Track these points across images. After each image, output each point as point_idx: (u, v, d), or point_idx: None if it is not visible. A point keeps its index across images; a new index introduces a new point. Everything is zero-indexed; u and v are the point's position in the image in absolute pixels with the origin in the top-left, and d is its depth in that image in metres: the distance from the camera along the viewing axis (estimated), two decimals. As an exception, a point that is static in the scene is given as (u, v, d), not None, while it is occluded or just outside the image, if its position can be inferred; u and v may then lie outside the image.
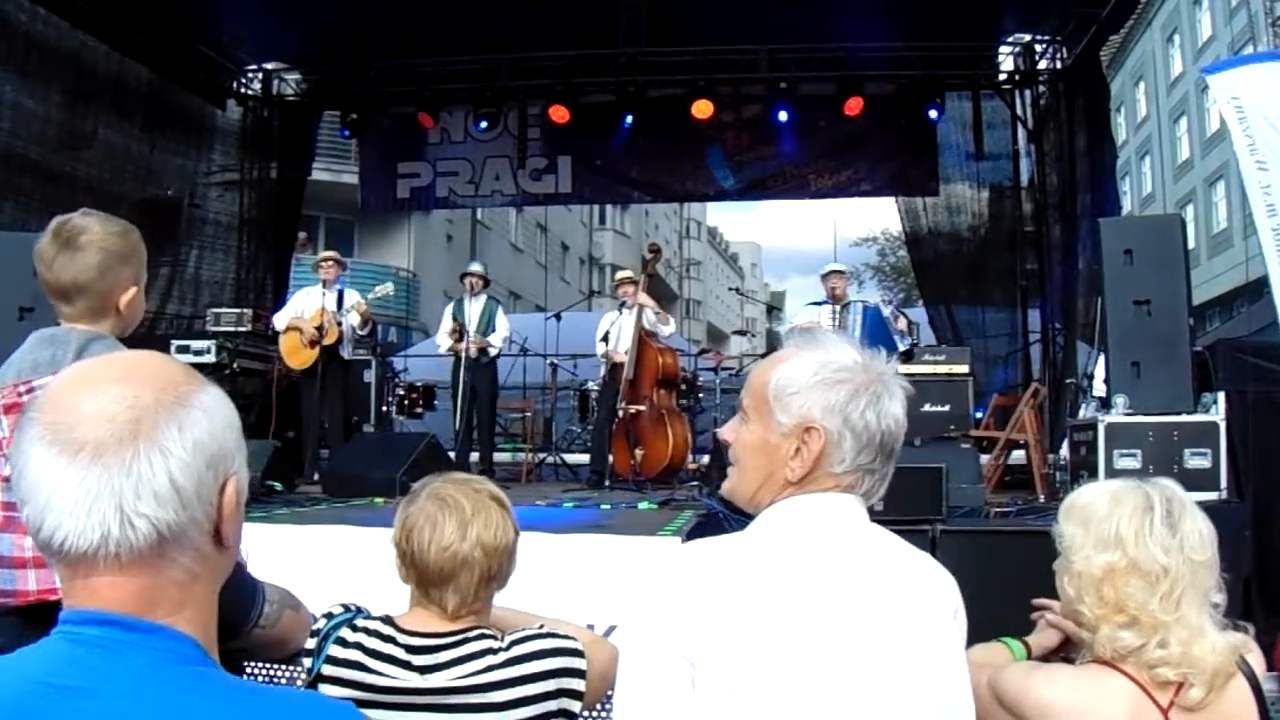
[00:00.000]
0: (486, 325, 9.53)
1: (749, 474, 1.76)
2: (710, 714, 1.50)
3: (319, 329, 8.88)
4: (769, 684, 1.50)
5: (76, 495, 1.03)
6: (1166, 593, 1.95)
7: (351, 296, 9.19)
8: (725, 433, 1.84)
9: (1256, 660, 2.07)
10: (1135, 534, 2.00)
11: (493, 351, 9.58)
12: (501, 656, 2.08)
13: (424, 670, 2.05)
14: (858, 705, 1.52)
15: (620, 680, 1.62)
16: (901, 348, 9.05)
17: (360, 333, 9.33)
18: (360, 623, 2.15)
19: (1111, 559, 2.01)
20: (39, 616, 2.46)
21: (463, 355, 9.28)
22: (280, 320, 9.32)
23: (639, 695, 1.57)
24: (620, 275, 10.00)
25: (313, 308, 9.09)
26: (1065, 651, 2.30)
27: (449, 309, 9.83)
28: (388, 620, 2.15)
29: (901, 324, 9.51)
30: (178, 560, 1.10)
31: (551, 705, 2.09)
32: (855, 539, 1.67)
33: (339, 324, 8.99)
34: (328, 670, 2.09)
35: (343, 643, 2.12)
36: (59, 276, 2.60)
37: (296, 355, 9.01)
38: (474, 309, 9.61)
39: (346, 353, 9.27)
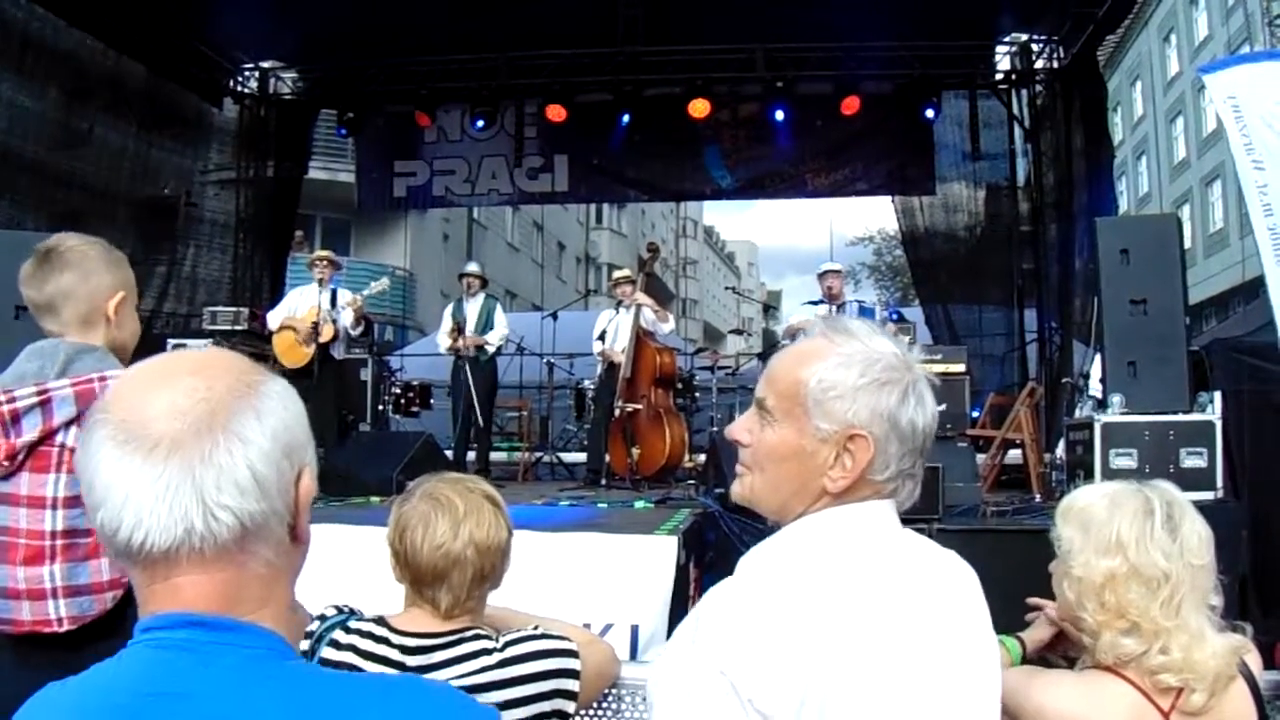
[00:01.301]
0: (485, 324, 9.53)
1: (778, 482, 1.56)
2: None
3: (314, 326, 8.86)
4: (831, 703, 1.34)
5: (156, 491, 1.01)
6: (1167, 598, 1.94)
7: (345, 296, 9.16)
8: (738, 432, 1.62)
9: (1254, 661, 2.06)
10: (1136, 539, 1.98)
11: (490, 349, 9.57)
12: (496, 657, 2.08)
13: (418, 672, 2.04)
14: None
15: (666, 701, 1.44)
16: None
17: (353, 332, 9.29)
18: (353, 624, 2.15)
19: (1113, 564, 1.99)
20: (32, 647, 2.47)
21: (459, 354, 9.28)
22: (274, 319, 9.29)
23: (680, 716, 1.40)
24: (618, 275, 9.99)
25: (307, 306, 9.07)
26: (1061, 648, 2.30)
27: (449, 309, 9.83)
28: (381, 621, 2.15)
29: (890, 331, 9.51)
30: (259, 554, 1.08)
31: (546, 706, 2.09)
32: (901, 550, 1.53)
33: (334, 322, 8.97)
34: (321, 672, 2.08)
35: (336, 645, 2.11)
36: (40, 289, 2.60)
37: (291, 354, 8.99)
38: (472, 309, 9.61)
39: (338, 352, 9.23)
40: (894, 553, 1.52)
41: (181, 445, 1.02)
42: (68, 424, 2.48)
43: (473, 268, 10.02)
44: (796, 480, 1.53)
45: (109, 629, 2.52)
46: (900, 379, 1.53)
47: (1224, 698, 1.93)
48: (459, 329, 9.38)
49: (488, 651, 2.08)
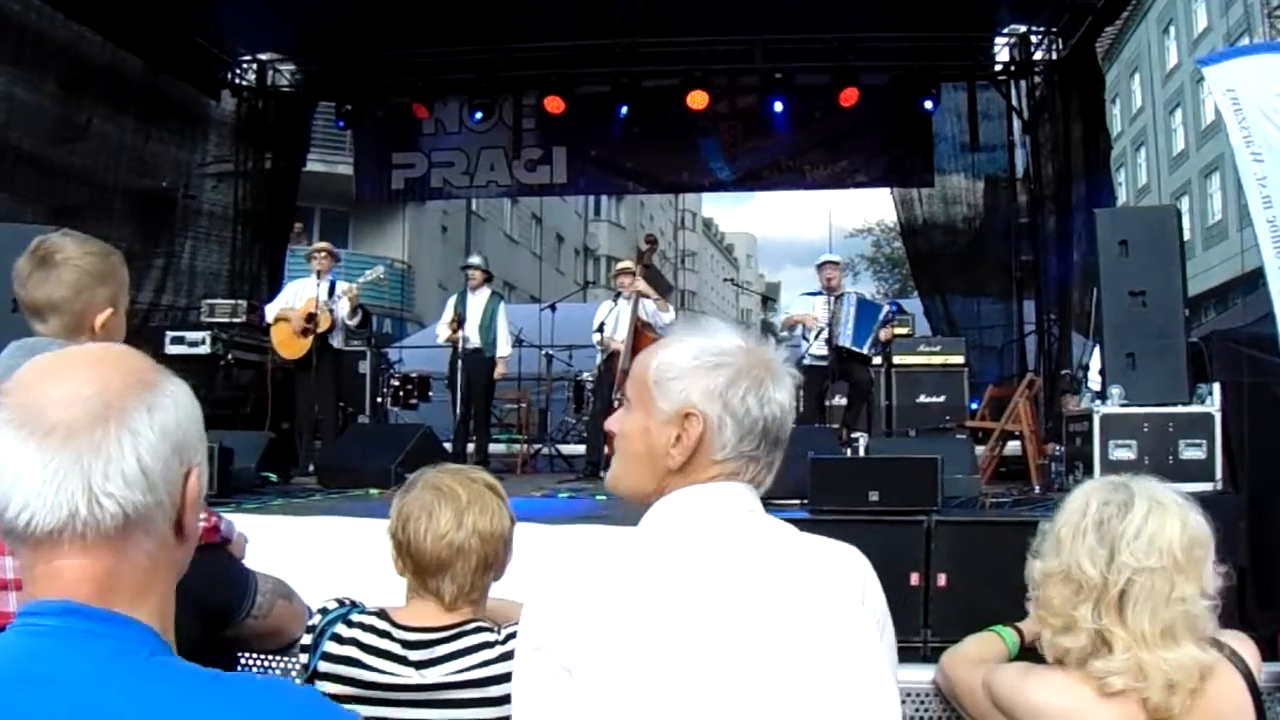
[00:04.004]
0: (488, 322, 9.48)
1: (631, 465, 1.68)
2: None
3: (310, 317, 8.84)
4: (645, 688, 1.42)
5: (44, 475, 1.04)
6: (1097, 600, 1.93)
7: (341, 286, 9.13)
8: (610, 424, 1.75)
9: (1250, 654, 2.06)
10: (1070, 539, 1.98)
11: (499, 370, 9.61)
12: (498, 650, 2.07)
13: (420, 665, 2.05)
14: (746, 707, 1.43)
15: (511, 692, 1.58)
16: (864, 350, 9.06)
17: (350, 322, 9.24)
18: (355, 618, 2.15)
19: (1048, 565, 2.01)
20: None
21: (459, 347, 9.26)
22: (271, 311, 9.26)
23: (519, 706, 1.52)
24: (619, 266, 9.96)
25: (304, 299, 9.05)
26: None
27: (451, 300, 9.74)
28: (383, 615, 2.15)
29: (885, 334, 9.53)
30: (141, 545, 1.11)
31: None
32: (744, 529, 1.60)
33: (331, 312, 8.94)
34: (324, 667, 2.09)
35: (338, 639, 2.11)
36: (33, 294, 2.60)
37: (289, 346, 8.96)
38: (475, 304, 9.54)
39: (337, 341, 9.19)
40: (729, 531, 1.58)
41: (74, 433, 1.06)
42: None
43: (475, 260, 9.92)
44: (646, 461, 1.64)
45: None
46: (733, 364, 1.60)
47: (1209, 695, 1.91)
48: (460, 322, 9.34)
49: (490, 645, 2.08)
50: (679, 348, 1.63)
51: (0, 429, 1.07)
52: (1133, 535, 1.94)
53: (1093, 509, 1.99)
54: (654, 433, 1.62)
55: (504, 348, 9.56)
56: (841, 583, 1.58)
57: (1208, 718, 1.92)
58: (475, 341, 9.34)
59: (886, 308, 9.72)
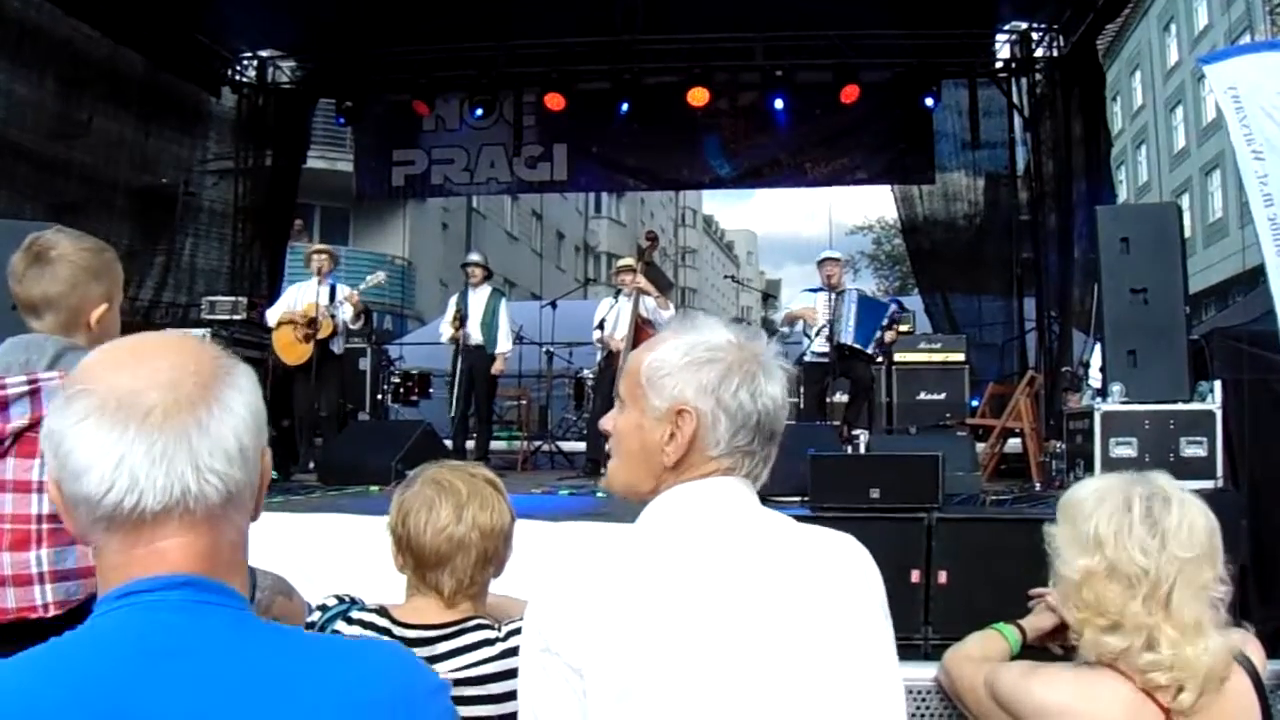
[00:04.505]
0: (490, 319, 9.49)
1: (627, 462, 1.70)
2: None
3: (312, 323, 8.82)
4: (658, 685, 1.41)
5: (152, 455, 1.06)
6: (1149, 594, 1.92)
7: (343, 291, 9.11)
8: (605, 423, 1.79)
9: (1256, 653, 2.06)
10: (1114, 535, 1.95)
11: (498, 366, 9.61)
12: (499, 647, 2.07)
13: (421, 663, 2.04)
14: (759, 700, 1.43)
15: (518, 695, 1.56)
16: (868, 350, 9.08)
17: (353, 326, 9.26)
18: (355, 615, 2.14)
19: (1089, 563, 1.98)
20: (16, 635, 2.46)
21: (460, 344, 9.27)
22: (273, 316, 9.23)
23: (528, 710, 1.50)
24: (620, 264, 9.97)
25: (305, 302, 9.03)
26: (1061, 637, 2.29)
27: (454, 299, 9.77)
28: (383, 612, 2.14)
29: (889, 336, 9.54)
30: (234, 521, 1.16)
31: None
32: (745, 523, 1.60)
33: (333, 317, 8.94)
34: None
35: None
36: (29, 291, 2.61)
37: (291, 351, 8.93)
38: (477, 300, 9.57)
39: (338, 347, 9.18)
40: (729, 526, 1.58)
41: (176, 412, 1.08)
42: None
43: (475, 257, 9.98)
44: (640, 458, 1.66)
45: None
46: (724, 359, 1.61)
47: (1222, 694, 1.91)
48: (461, 320, 9.35)
49: (490, 641, 2.08)
50: (670, 345, 1.64)
51: (91, 417, 1.07)
52: (1176, 526, 1.94)
53: (1137, 503, 1.98)
54: (648, 430, 1.63)
55: (504, 344, 9.58)
56: (843, 572, 1.59)
57: (1221, 716, 1.92)
58: (478, 338, 9.36)
59: (892, 307, 9.73)
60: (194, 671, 1.03)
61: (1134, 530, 1.95)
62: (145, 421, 1.06)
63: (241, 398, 1.14)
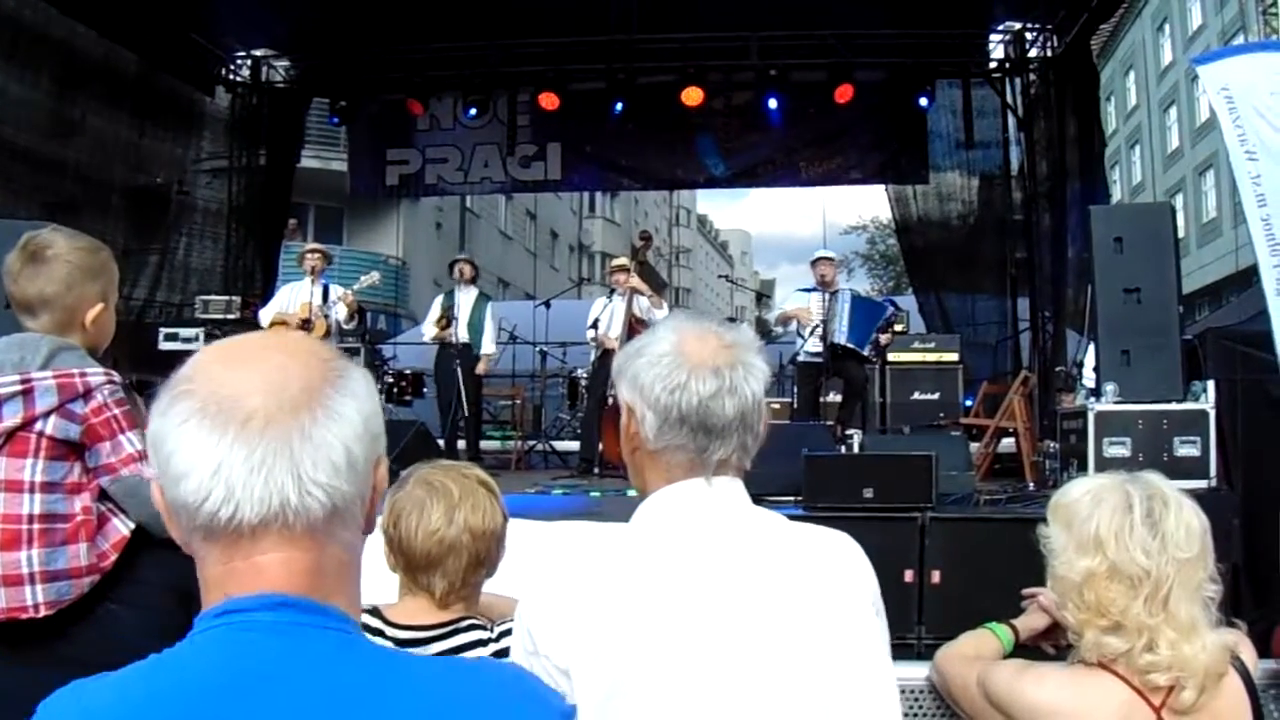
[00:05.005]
0: (477, 321, 9.50)
1: (625, 456, 1.78)
2: None
3: (305, 323, 8.80)
4: (646, 686, 1.43)
5: (251, 464, 1.00)
6: (1150, 595, 1.92)
7: (336, 291, 9.09)
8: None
9: (1248, 653, 2.06)
10: (1115, 536, 1.95)
11: (482, 367, 9.63)
12: (492, 647, 2.07)
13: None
14: (750, 700, 1.44)
15: None
16: (863, 351, 9.09)
17: (346, 327, 9.25)
18: (348, 614, 2.13)
19: (1091, 564, 1.97)
20: (7, 635, 2.45)
21: (446, 343, 9.29)
22: (265, 316, 9.20)
23: None
24: (614, 263, 9.97)
25: (299, 302, 9.01)
26: (1053, 637, 2.29)
27: (439, 299, 9.79)
28: (375, 612, 2.13)
29: (885, 339, 9.55)
30: (341, 537, 1.08)
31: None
32: (735, 524, 1.62)
33: (326, 318, 8.92)
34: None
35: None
36: (24, 290, 2.61)
37: (283, 352, 8.90)
38: (465, 301, 9.58)
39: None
40: (721, 526, 1.60)
41: (278, 419, 1.01)
42: (48, 413, 2.50)
43: (466, 256, 10.03)
44: (627, 449, 1.73)
45: (85, 614, 2.53)
46: (653, 355, 1.65)
47: (1216, 693, 1.92)
48: (448, 320, 9.35)
49: (483, 642, 2.08)
50: (629, 345, 1.74)
51: (193, 419, 1.01)
52: (1175, 527, 1.95)
53: (1137, 504, 1.98)
54: (625, 421, 1.72)
55: (489, 346, 9.62)
56: (835, 570, 1.60)
57: (1212, 715, 1.92)
58: (465, 337, 9.38)
59: (889, 309, 9.73)
60: (285, 699, 0.97)
61: (1135, 531, 1.95)
62: (245, 427, 1.00)
63: (354, 403, 1.06)
